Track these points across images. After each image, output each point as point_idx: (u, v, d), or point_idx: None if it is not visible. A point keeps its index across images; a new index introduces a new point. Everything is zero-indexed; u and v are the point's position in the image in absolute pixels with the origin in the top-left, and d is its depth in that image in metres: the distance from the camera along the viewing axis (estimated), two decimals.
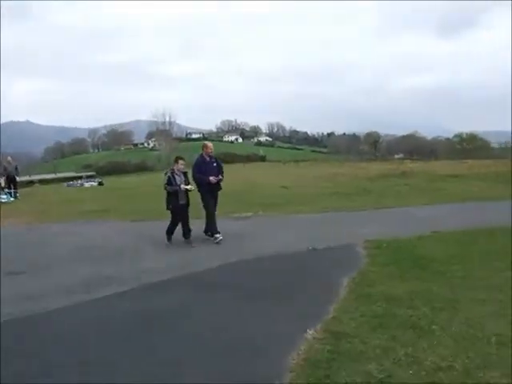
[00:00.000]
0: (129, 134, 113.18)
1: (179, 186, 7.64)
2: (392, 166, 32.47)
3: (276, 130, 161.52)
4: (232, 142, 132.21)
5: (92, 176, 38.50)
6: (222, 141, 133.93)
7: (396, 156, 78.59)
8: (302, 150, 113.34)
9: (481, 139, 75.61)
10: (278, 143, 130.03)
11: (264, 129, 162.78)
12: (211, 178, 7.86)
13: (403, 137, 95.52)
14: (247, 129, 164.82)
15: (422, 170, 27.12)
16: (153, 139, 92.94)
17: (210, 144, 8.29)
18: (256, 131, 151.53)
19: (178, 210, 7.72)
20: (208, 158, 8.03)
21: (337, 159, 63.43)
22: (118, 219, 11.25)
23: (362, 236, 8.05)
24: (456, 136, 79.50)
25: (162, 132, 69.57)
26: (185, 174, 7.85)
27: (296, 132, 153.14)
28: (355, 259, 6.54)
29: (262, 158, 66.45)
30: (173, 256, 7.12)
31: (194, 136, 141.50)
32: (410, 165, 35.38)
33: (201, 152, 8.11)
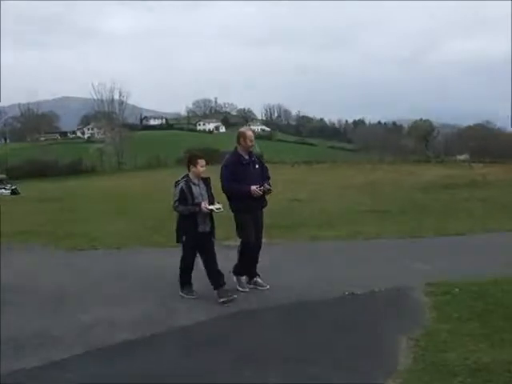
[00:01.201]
0: (52, 118, 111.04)
1: (199, 204, 7.04)
2: (455, 172, 32.80)
3: (277, 115, 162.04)
4: (210, 131, 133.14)
5: (1, 181, 38.12)
6: (194, 130, 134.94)
7: (459, 157, 79.17)
8: (315, 145, 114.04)
9: None
10: (280, 135, 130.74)
11: (259, 114, 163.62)
12: (253, 188, 7.35)
13: (469, 129, 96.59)
14: (233, 113, 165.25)
15: (503, 177, 27.35)
16: (90, 126, 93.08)
17: (249, 133, 7.76)
18: (247, 117, 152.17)
19: (197, 242, 7.18)
20: (247, 156, 7.60)
21: (368, 159, 63.85)
22: (48, 246, 11.24)
23: (421, 275, 8.10)
24: None
25: (105, 116, 69.70)
26: (206, 181, 7.32)
27: (307, 119, 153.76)
28: (415, 310, 6.55)
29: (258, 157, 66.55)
30: (145, 303, 7.16)
31: (152, 122, 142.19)
32: (482, 170, 35.70)
33: (235, 146, 7.70)
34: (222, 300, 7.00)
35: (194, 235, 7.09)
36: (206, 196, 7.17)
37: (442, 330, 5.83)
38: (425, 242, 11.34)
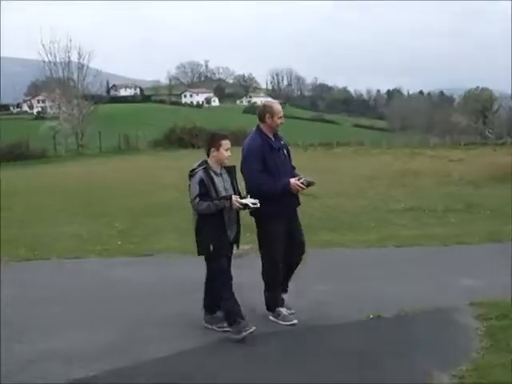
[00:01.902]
0: None
1: (227, 198, 6.75)
2: None
3: (287, 83, 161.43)
4: (200, 105, 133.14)
5: None
6: (178, 103, 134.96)
7: None
8: (336, 123, 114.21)
9: None
10: (291, 109, 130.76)
11: (264, 81, 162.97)
12: (293, 182, 7.09)
13: None
14: (229, 80, 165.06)
15: None
16: (40, 98, 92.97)
17: (278, 106, 7.54)
18: (247, 85, 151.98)
19: (227, 253, 6.98)
20: (273, 139, 7.38)
21: (406, 142, 63.80)
22: None
23: (469, 293, 8.13)
24: None
25: (60, 85, 69.60)
26: (230, 171, 7.06)
27: (326, 88, 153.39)
28: (460, 339, 6.58)
29: None
30: (106, 330, 7.19)
31: (123, 93, 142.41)
32: None
33: (257, 125, 7.50)
34: (238, 336, 6.72)
35: (224, 244, 6.82)
36: (231, 190, 6.90)
37: (495, 364, 5.83)
38: (475, 249, 11.33)
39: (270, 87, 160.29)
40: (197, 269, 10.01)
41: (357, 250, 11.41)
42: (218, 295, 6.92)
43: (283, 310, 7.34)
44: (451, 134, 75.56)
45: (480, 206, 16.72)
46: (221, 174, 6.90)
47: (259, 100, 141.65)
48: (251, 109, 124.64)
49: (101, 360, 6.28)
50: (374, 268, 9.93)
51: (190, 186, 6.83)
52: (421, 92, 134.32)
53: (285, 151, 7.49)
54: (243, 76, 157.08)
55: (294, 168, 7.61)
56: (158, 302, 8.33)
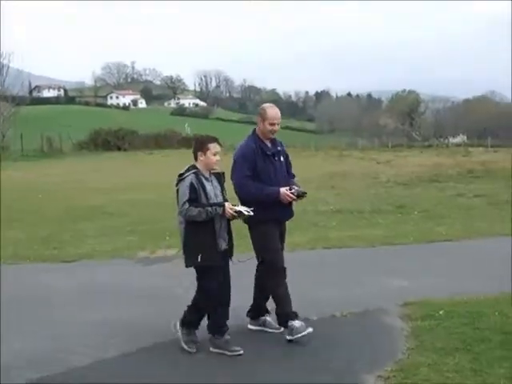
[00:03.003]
0: None
1: (220, 205, 6.44)
2: (447, 160, 33.47)
3: (215, 85, 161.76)
4: (126, 106, 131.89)
5: None
6: (104, 104, 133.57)
7: (453, 140, 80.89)
8: None
9: None
10: (220, 112, 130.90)
11: (191, 83, 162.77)
12: (283, 192, 6.81)
13: (467, 103, 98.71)
14: (157, 82, 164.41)
15: (509, 166, 27.97)
16: None
17: (272, 111, 7.13)
18: (175, 87, 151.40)
19: (218, 264, 6.54)
20: (270, 145, 7.12)
21: (334, 144, 64.53)
22: None
23: (397, 294, 8.28)
24: None
25: None
26: (219, 177, 6.74)
27: (255, 90, 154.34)
28: (387, 340, 6.65)
29: (189, 141, 66.19)
30: (28, 339, 7.04)
31: (46, 94, 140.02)
32: (482, 156, 36.55)
33: (253, 129, 7.25)
34: (228, 353, 6.48)
35: (213, 254, 6.45)
36: (221, 197, 6.58)
37: (420, 364, 5.93)
38: (404, 250, 11.54)
39: (198, 89, 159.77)
40: (121, 275, 10.03)
41: (286, 253, 11.39)
42: (199, 311, 6.69)
43: (295, 323, 6.83)
44: (379, 136, 76.72)
45: (410, 206, 17.01)
46: (211, 180, 6.59)
47: (187, 102, 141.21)
48: (179, 111, 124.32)
49: (20, 369, 6.16)
50: (303, 271, 9.91)
51: (177, 191, 6.48)
52: (349, 94, 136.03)
53: (281, 158, 7.16)
54: (171, 77, 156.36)
55: (293, 176, 7.34)
56: (81, 309, 8.22)
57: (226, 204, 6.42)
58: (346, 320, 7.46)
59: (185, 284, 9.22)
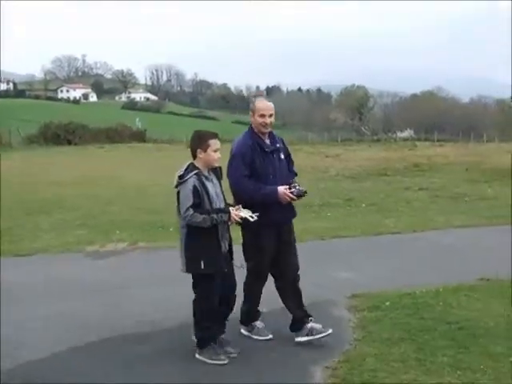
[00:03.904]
0: None
1: (225, 211, 6.08)
2: (395, 154, 33.85)
3: (166, 79, 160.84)
4: (77, 100, 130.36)
5: None
6: (54, 98, 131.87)
7: (401, 134, 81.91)
8: (216, 119, 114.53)
9: None
10: (172, 106, 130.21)
11: (143, 77, 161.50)
12: (282, 191, 6.42)
13: (414, 98, 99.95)
14: (108, 76, 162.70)
15: (454, 160, 28.57)
16: None
17: (262, 104, 6.72)
18: (126, 81, 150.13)
19: (220, 269, 6.15)
20: (269, 141, 6.74)
21: (285, 139, 64.42)
22: None
23: (344, 286, 8.41)
24: None
25: None
26: (217, 173, 6.34)
27: (206, 85, 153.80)
28: (334, 331, 6.66)
29: (140, 135, 65.90)
30: None
31: None
32: (428, 151, 37.08)
33: (249, 125, 6.80)
34: (208, 361, 6.11)
35: (217, 259, 6.08)
36: (221, 196, 6.21)
37: (367, 354, 6.04)
38: (351, 243, 11.67)
39: (149, 83, 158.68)
40: (72, 269, 9.94)
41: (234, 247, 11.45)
42: (194, 319, 6.27)
43: (258, 324, 6.86)
44: (329, 130, 77.22)
45: (358, 200, 17.19)
46: (211, 179, 6.16)
47: (138, 96, 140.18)
48: (130, 104, 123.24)
49: None
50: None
51: (178, 194, 6.05)
52: (299, 89, 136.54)
53: (281, 155, 6.79)
54: (122, 71, 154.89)
55: (295, 174, 7.01)
56: (37, 302, 8.12)
57: (231, 210, 6.04)
58: None
59: (134, 278, 9.29)
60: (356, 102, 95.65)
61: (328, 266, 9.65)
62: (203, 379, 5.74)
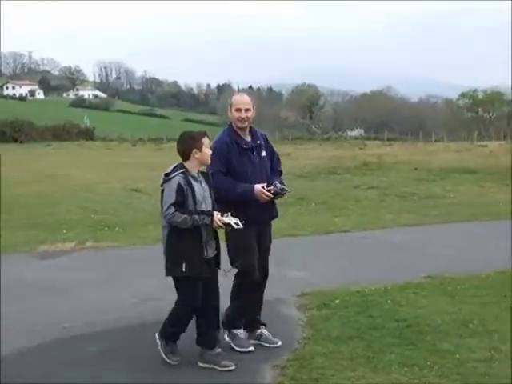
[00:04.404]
0: None
1: (209, 214, 5.81)
2: (344, 152, 34.11)
3: (116, 77, 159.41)
4: (23, 97, 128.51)
5: None
6: (0, 95, 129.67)
7: (351, 133, 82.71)
8: (167, 117, 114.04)
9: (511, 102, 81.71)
10: (121, 103, 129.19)
11: (91, 74, 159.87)
12: (258, 189, 6.22)
13: (364, 97, 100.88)
14: (55, 73, 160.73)
15: (403, 159, 28.93)
16: None
17: (237, 97, 6.63)
18: (74, 78, 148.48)
19: (202, 274, 5.86)
20: (250, 138, 6.55)
21: None
22: None
23: (294, 284, 8.47)
24: (464, 96, 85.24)
25: None
26: (207, 177, 6.13)
27: (156, 82, 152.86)
28: (283, 330, 6.73)
29: (88, 133, 65.40)
30: None
31: None
32: (378, 149, 37.48)
33: (228, 124, 6.65)
34: (218, 368, 5.91)
35: (199, 263, 5.81)
36: (209, 200, 5.97)
37: (316, 353, 6.06)
38: (301, 241, 11.74)
39: (98, 80, 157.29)
40: (25, 268, 9.81)
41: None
42: (168, 322, 6.06)
43: (240, 333, 6.54)
44: (280, 129, 77.48)
45: (309, 198, 17.28)
46: (200, 180, 5.94)
47: (87, 93, 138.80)
48: (78, 102, 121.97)
49: None
50: None
51: (162, 191, 5.84)
52: (250, 87, 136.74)
53: (262, 152, 6.57)
54: (70, 68, 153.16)
55: (280, 173, 6.84)
56: None
57: (215, 214, 5.77)
58: None
59: (82, 278, 9.21)
60: (307, 100, 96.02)
61: (278, 265, 9.64)
62: (148, 379, 5.75)
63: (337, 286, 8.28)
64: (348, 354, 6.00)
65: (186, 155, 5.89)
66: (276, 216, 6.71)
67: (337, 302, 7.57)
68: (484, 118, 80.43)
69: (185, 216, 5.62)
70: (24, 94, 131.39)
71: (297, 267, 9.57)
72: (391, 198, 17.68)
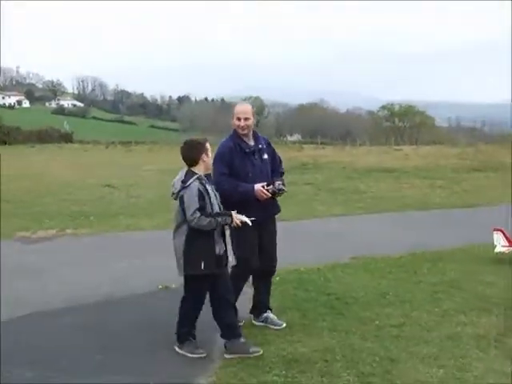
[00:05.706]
0: None
1: (229, 214, 5.51)
2: (285, 155, 34.04)
3: (91, 89, 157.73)
4: (12, 106, 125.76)
5: None
6: None
7: (290, 138, 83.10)
8: (134, 124, 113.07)
9: (421, 113, 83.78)
10: (96, 112, 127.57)
11: (70, 86, 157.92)
12: (258, 188, 5.90)
13: (301, 108, 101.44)
14: (39, 85, 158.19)
15: (333, 160, 29.16)
16: None
17: (237, 107, 6.26)
18: (56, 90, 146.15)
19: (215, 271, 5.47)
20: (252, 142, 6.21)
21: None
22: None
23: None
24: (384, 108, 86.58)
25: None
26: (210, 178, 5.74)
27: (126, 94, 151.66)
28: (238, 302, 6.71)
29: (67, 137, 64.46)
30: None
31: None
32: (312, 152, 37.71)
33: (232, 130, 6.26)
34: (234, 355, 5.41)
35: (213, 260, 5.45)
36: (218, 200, 5.58)
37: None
38: None
39: (76, 92, 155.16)
40: (8, 252, 9.63)
41: (152, 232, 11.39)
42: (179, 325, 5.66)
43: (270, 315, 6.28)
44: None
45: None
46: (210, 184, 5.55)
47: (66, 103, 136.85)
48: (59, 110, 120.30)
49: None
50: (167, 246, 9.96)
51: (182, 198, 5.36)
52: (206, 99, 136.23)
53: (264, 155, 6.21)
54: (52, 81, 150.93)
55: (282, 174, 6.38)
56: None
57: (233, 214, 5.50)
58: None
59: (62, 260, 9.13)
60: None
61: None
62: (112, 344, 5.71)
63: (278, 266, 8.31)
64: (287, 322, 6.07)
65: (195, 161, 5.47)
66: (277, 212, 6.32)
67: (277, 278, 7.52)
68: (400, 126, 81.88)
69: (210, 219, 5.29)
70: (12, 104, 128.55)
71: None
72: (324, 192, 17.82)
